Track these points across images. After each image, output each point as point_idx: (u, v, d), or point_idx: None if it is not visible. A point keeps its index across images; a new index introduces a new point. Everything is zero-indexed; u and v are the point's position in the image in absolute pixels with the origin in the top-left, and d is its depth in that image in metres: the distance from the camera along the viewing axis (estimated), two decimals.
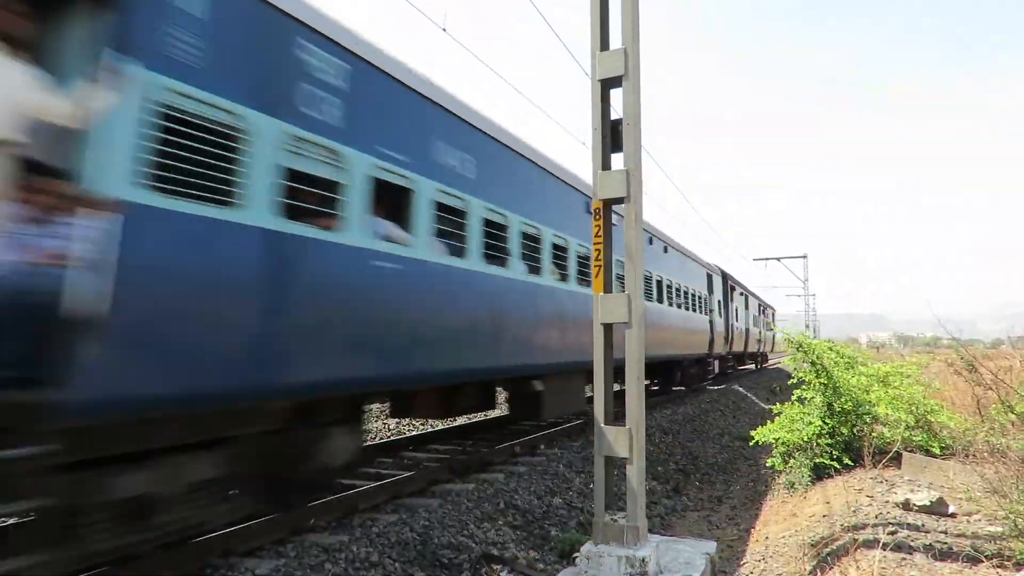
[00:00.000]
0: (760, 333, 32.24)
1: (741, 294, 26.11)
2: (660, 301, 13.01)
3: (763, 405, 18.08)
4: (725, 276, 22.58)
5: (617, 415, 4.79)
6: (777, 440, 8.35)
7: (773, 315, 42.12)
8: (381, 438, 9.91)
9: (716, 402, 16.60)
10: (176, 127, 3.41)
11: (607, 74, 5.05)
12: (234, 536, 4.50)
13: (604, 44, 5.17)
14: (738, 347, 24.71)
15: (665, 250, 13.86)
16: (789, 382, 9.89)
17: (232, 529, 4.55)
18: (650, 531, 4.72)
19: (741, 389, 20.91)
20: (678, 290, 14.81)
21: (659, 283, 12.97)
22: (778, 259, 50.40)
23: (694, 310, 16.11)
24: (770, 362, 42.93)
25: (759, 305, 33.03)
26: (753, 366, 34.32)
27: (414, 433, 10.10)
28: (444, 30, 9.30)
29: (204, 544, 4.30)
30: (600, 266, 4.97)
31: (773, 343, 38.98)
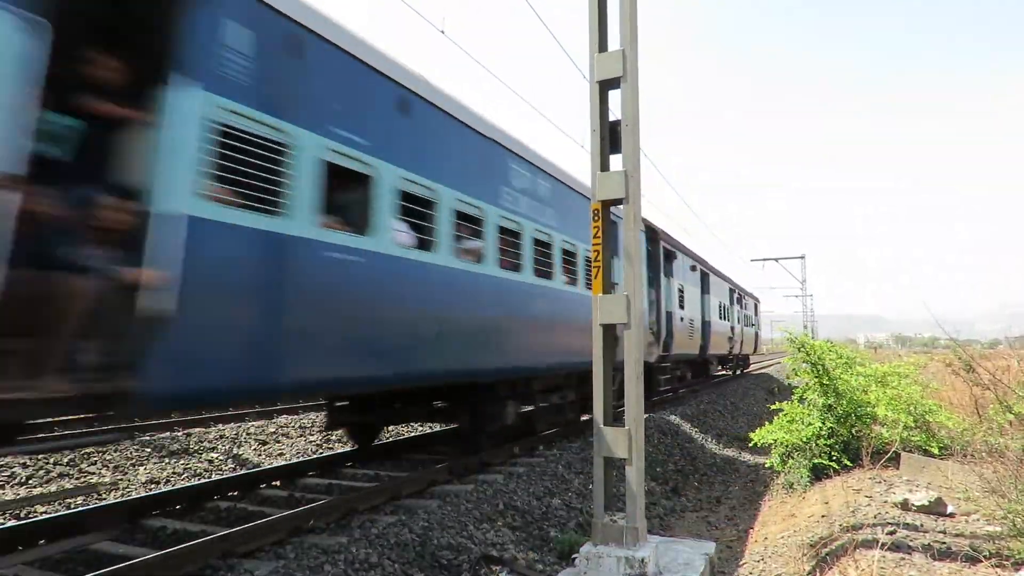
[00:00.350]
0: (735, 329, 24.17)
1: (693, 269, 17.77)
2: (475, 257, 6.59)
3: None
4: (655, 235, 13.92)
5: (616, 416, 4.80)
6: (776, 441, 8.37)
7: (756, 307, 32.94)
8: (379, 439, 9.91)
9: (715, 403, 16.61)
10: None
11: (605, 76, 5.07)
12: (233, 537, 4.49)
13: (602, 46, 5.19)
14: (685, 348, 16.22)
15: (470, 143, 6.73)
16: (787, 379, 9.88)
17: (231, 531, 4.55)
18: (649, 532, 4.73)
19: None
20: (538, 241, 7.93)
21: (474, 222, 6.65)
22: (776, 260, 50.53)
23: (571, 282, 8.91)
24: (756, 366, 37.34)
25: (732, 291, 24.32)
26: (728, 373, 27.43)
27: (413, 435, 10.10)
28: (443, 32, 9.33)
29: (203, 545, 4.30)
30: (599, 267, 4.98)
31: (757, 342, 31.70)
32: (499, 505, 5.98)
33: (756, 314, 32.49)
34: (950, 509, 5.64)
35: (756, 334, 31.55)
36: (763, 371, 33.90)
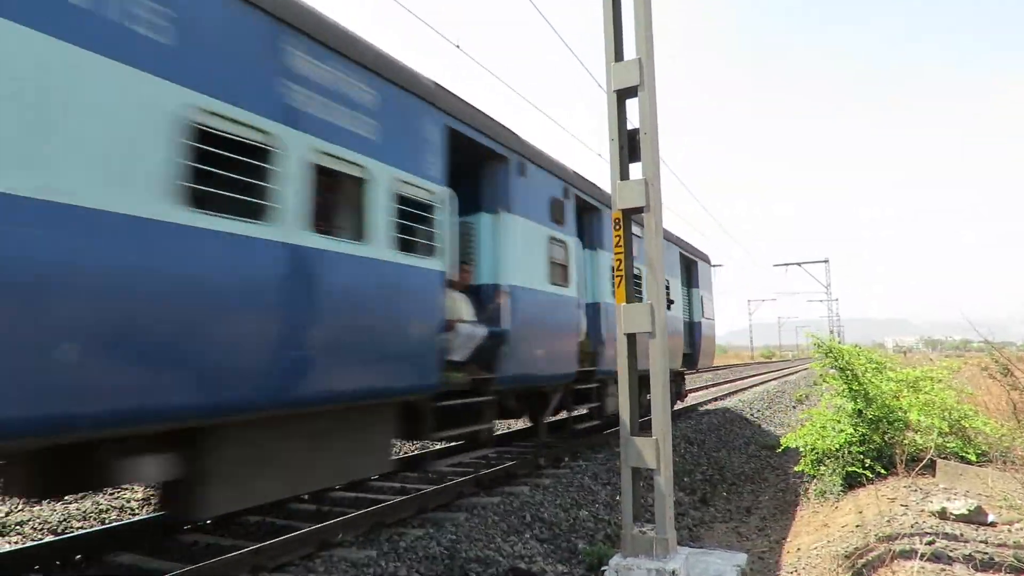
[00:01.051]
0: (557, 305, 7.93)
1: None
2: None
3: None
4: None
5: (643, 425, 4.77)
6: (807, 447, 8.24)
7: (695, 272, 15.13)
8: (405, 452, 9.93)
9: (741, 412, 16.37)
10: None
11: (622, 85, 5.08)
12: (264, 551, 4.53)
13: (618, 55, 5.20)
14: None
15: None
16: (815, 383, 9.73)
17: (262, 545, 4.59)
18: (679, 543, 4.66)
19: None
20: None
21: None
22: (799, 264, 49.91)
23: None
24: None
25: (566, 191, 8.37)
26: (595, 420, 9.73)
27: (439, 447, 10.10)
28: (458, 47, 9.45)
29: (235, 560, 4.34)
30: (621, 276, 4.97)
31: (698, 344, 14.65)
32: (526, 517, 5.95)
33: (694, 285, 15.00)
34: (991, 518, 5.47)
35: (692, 328, 14.62)
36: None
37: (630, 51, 5.09)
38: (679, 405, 14.98)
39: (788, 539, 6.95)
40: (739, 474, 10.44)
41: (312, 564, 4.57)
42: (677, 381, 13.90)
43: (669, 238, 12.78)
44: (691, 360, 14.44)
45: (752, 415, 16.52)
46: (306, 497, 6.78)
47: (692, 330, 14.56)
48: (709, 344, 15.60)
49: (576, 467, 8.18)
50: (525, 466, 7.98)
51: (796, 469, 8.66)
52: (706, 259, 16.04)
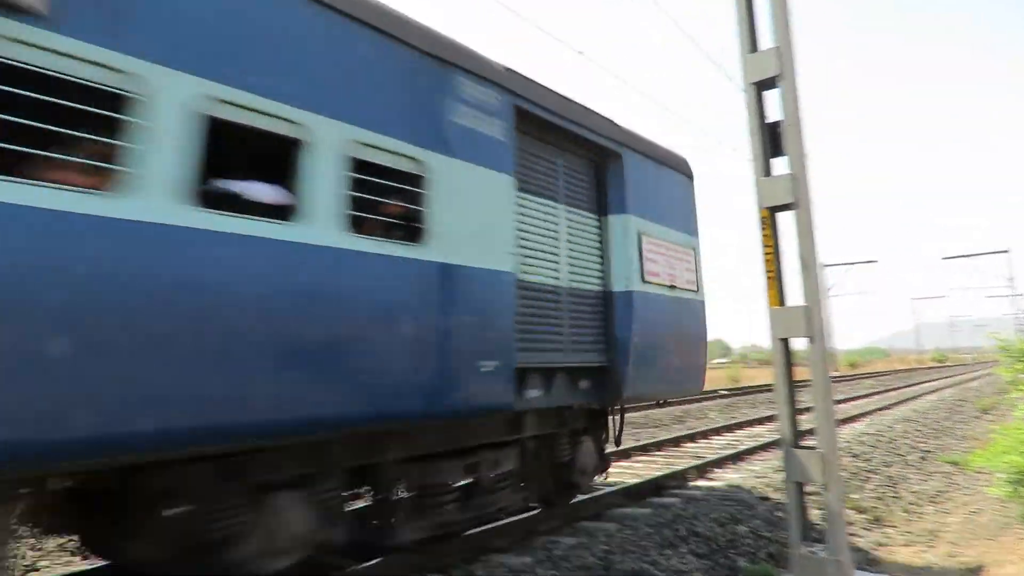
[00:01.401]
0: None
1: None
2: None
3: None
4: None
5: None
6: (1004, 465, 7.19)
7: (622, 182, 6.16)
8: None
9: (913, 422, 14.65)
10: None
11: (759, 76, 4.85)
12: (425, 553, 4.78)
13: (753, 46, 4.99)
14: None
15: None
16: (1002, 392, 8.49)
17: (423, 547, 4.86)
18: (856, 567, 4.28)
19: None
20: None
21: None
22: (971, 256, 43.99)
23: None
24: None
25: None
26: None
27: None
28: (581, 53, 9.56)
29: (397, 560, 4.62)
30: (772, 277, 4.71)
31: (611, 327, 5.87)
32: (680, 530, 5.77)
33: (623, 209, 6.13)
34: None
35: (608, 304, 5.97)
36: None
37: (764, 41, 4.86)
38: (600, 489, 7.00)
39: (987, 567, 6.10)
40: (918, 492, 9.33)
41: (472, 568, 4.77)
42: (557, 437, 5.80)
43: (567, 114, 5.71)
44: (609, 379, 5.93)
45: (928, 426, 14.71)
46: None
47: (609, 308, 6.03)
48: (687, 345, 6.87)
49: (729, 479, 7.80)
50: (673, 477, 7.75)
51: (989, 490, 7.58)
52: (677, 164, 7.29)
